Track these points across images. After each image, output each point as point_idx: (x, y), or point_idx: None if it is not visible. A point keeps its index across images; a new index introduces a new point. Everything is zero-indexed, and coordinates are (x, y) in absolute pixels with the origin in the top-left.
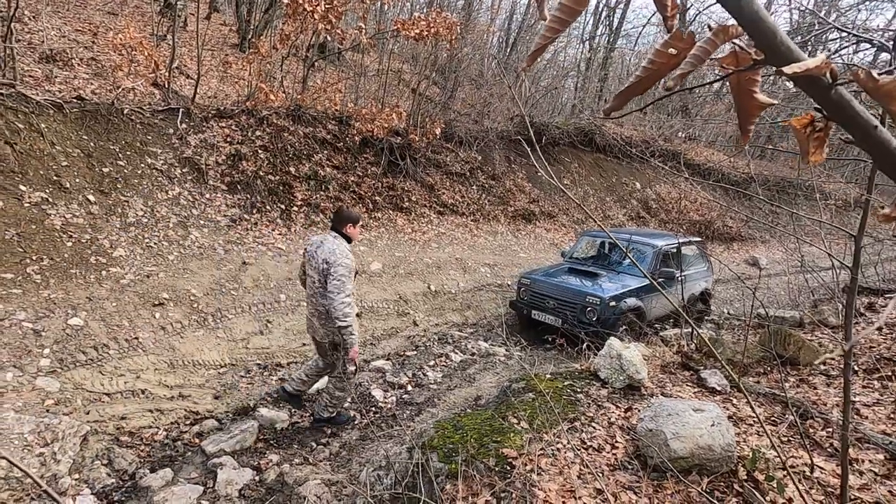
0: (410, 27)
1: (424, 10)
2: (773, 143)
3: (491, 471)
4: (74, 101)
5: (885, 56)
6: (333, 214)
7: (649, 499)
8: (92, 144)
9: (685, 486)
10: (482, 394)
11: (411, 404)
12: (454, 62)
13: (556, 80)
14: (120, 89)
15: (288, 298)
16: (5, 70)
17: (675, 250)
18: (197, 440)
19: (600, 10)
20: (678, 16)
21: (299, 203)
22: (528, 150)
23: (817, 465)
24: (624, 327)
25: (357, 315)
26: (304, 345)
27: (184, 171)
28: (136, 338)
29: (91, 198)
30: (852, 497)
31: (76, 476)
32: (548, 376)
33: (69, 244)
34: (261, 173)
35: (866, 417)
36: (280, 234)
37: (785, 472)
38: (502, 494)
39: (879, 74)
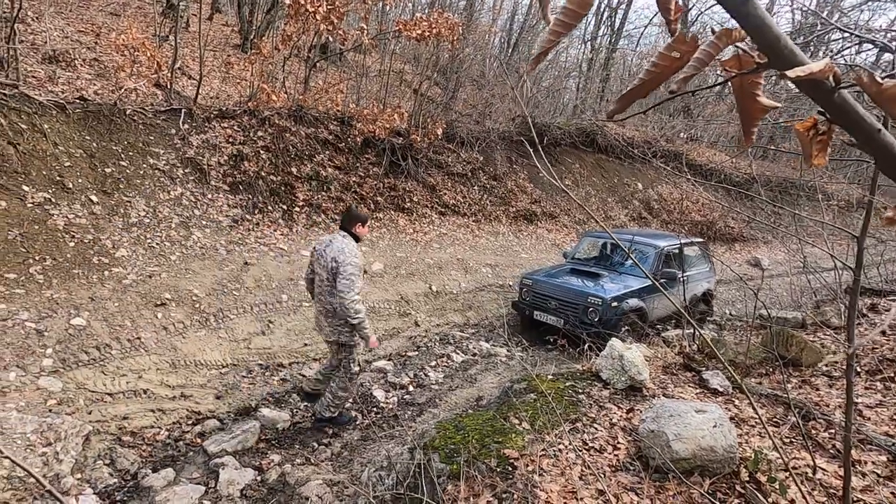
0: (412, 28)
1: (426, 11)
2: (776, 143)
3: (492, 471)
4: (77, 101)
5: (887, 56)
6: (343, 214)
7: (651, 500)
8: (94, 145)
9: (687, 488)
10: (484, 394)
11: (413, 405)
12: (456, 63)
13: (557, 80)
14: (122, 90)
15: (290, 299)
16: (9, 71)
17: (677, 251)
18: (199, 440)
19: (602, 10)
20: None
21: (301, 203)
22: (530, 150)
23: (820, 467)
24: (626, 328)
25: None
26: (305, 345)
27: (186, 171)
28: (139, 338)
29: (94, 198)
30: (855, 499)
31: (78, 476)
32: (549, 377)
33: (72, 244)
34: (262, 174)
35: (869, 419)
36: (282, 235)
37: (787, 474)
38: (504, 495)
39: (883, 78)
